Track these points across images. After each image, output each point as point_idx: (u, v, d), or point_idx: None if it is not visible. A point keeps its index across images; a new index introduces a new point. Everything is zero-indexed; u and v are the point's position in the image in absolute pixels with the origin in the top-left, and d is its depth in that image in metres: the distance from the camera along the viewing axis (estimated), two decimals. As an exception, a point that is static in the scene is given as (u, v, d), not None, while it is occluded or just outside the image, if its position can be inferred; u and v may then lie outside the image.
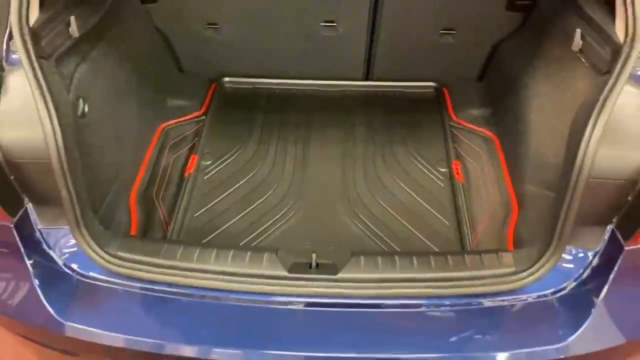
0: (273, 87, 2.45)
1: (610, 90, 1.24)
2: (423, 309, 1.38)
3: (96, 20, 1.68)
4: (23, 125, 1.31)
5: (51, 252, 1.43)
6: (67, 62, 1.52)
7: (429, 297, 1.38)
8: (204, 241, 1.81)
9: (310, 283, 1.38)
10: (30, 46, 1.29)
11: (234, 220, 1.89)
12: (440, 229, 1.87)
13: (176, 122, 2.21)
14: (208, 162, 2.10)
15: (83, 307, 1.39)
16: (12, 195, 1.38)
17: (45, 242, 1.43)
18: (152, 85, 2.14)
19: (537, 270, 1.37)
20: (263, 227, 1.86)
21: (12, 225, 1.38)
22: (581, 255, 1.41)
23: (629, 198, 1.32)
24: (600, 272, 1.38)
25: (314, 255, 1.44)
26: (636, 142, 1.27)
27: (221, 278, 1.39)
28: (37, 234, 1.43)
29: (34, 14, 1.39)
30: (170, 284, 1.40)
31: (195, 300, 1.39)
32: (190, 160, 2.10)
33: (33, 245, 1.42)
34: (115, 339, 1.33)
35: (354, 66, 2.37)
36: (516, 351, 1.32)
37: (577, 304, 1.37)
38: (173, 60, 2.38)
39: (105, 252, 1.40)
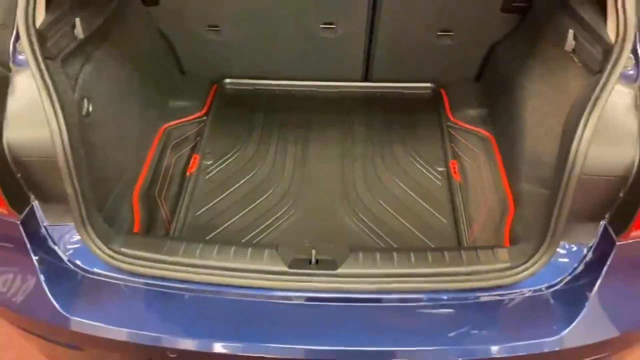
0: (273, 88, 2.49)
1: (602, 89, 1.27)
2: (421, 303, 1.41)
3: (100, 22, 1.71)
4: (30, 125, 1.34)
5: (56, 249, 1.46)
6: (72, 62, 1.55)
7: (426, 291, 1.41)
8: (206, 239, 1.84)
9: (310, 278, 1.41)
10: (36, 47, 1.32)
11: (235, 218, 1.92)
12: (438, 227, 1.90)
13: (178, 123, 2.24)
14: (209, 162, 2.13)
15: (88, 302, 1.42)
16: (19, 192, 1.41)
17: (51, 239, 1.46)
18: (154, 86, 2.17)
19: (532, 266, 1.40)
20: (264, 225, 1.90)
21: (18, 222, 1.42)
22: (575, 250, 1.44)
23: (621, 194, 1.35)
24: (594, 267, 1.41)
25: (313, 252, 1.47)
26: (627, 140, 1.30)
27: (223, 273, 1.42)
28: (43, 230, 1.46)
29: (40, 16, 1.43)
30: (173, 280, 1.42)
31: (198, 295, 1.41)
32: (191, 160, 2.14)
33: (39, 241, 1.45)
34: (120, 333, 1.36)
35: (353, 67, 2.41)
36: (512, 344, 1.35)
37: (571, 298, 1.40)
38: (175, 62, 2.41)
39: (110, 248, 1.43)
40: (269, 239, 1.85)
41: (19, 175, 1.39)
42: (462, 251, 1.48)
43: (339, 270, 1.42)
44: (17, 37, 1.37)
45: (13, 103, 1.35)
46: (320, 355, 1.34)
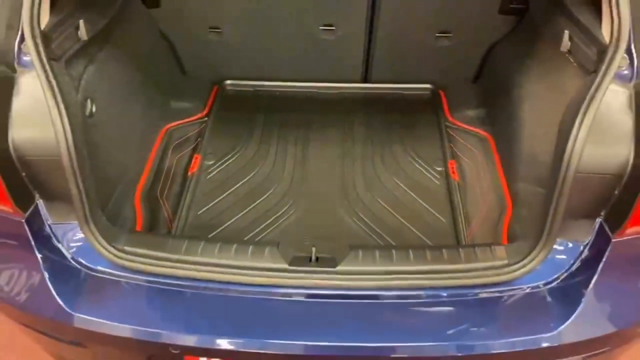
0: (273, 89, 2.52)
1: (596, 89, 1.29)
2: (419, 300, 1.43)
3: (103, 24, 1.74)
4: (34, 125, 1.36)
5: (60, 247, 1.48)
6: (76, 64, 1.58)
7: (425, 288, 1.43)
8: (207, 237, 1.86)
9: (310, 275, 1.43)
10: (41, 49, 1.34)
11: (236, 217, 1.94)
12: (437, 226, 1.92)
13: (179, 124, 2.27)
14: (210, 162, 2.15)
15: (91, 299, 1.44)
16: (24, 191, 1.44)
17: (55, 237, 1.49)
18: (156, 87, 2.20)
19: (529, 263, 1.42)
20: (264, 224, 1.92)
21: (23, 220, 1.44)
22: (571, 247, 1.46)
23: (616, 192, 1.37)
24: (590, 264, 1.43)
25: (313, 249, 1.50)
26: (621, 138, 1.32)
27: (224, 271, 1.44)
28: (47, 228, 1.48)
29: (45, 18, 1.45)
30: (175, 277, 1.45)
31: (200, 292, 1.44)
32: (193, 160, 2.16)
33: (43, 239, 1.47)
34: (123, 329, 1.38)
35: (353, 69, 2.43)
36: (509, 340, 1.37)
37: (568, 295, 1.42)
38: (176, 64, 2.44)
39: (113, 246, 1.45)
40: (269, 237, 1.87)
41: (23, 174, 1.41)
42: (460, 249, 1.50)
43: (339, 268, 1.44)
44: (22, 39, 1.40)
45: (18, 103, 1.37)
46: (320, 351, 1.36)
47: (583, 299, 1.40)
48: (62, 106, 1.33)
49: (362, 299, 1.42)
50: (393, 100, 2.48)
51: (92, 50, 1.69)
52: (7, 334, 2.22)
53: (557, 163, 1.35)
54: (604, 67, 1.30)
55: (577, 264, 1.45)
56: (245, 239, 1.86)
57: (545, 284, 1.45)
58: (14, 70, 1.39)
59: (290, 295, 1.43)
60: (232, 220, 1.94)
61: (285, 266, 1.44)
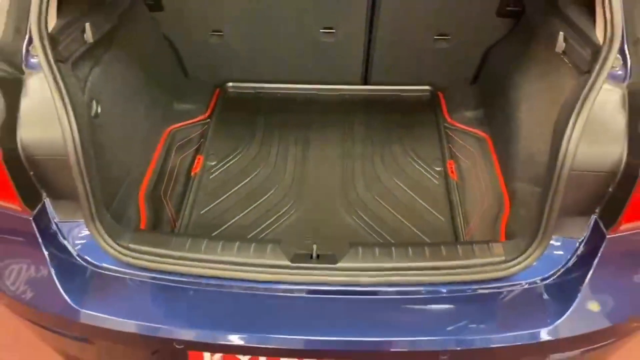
0: (274, 91, 2.55)
1: (590, 88, 1.32)
2: (418, 295, 1.46)
3: (108, 27, 1.78)
4: (42, 125, 1.39)
5: (66, 244, 1.51)
6: (82, 66, 1.62)
7: (423, 284, 1.46)
8: (210, 236, 1.89)
9: (311, 272, 1.46)
10: (49, 51, 1.37)
11: (238, 217, 1.98)
12: (436, 225, 1.95)
13: (182, 125, 2.30)
14: (213, 163, 2.19)
15: (97, 296, 1.47)
16: (32, 190, 1.47)
17: (61, 234, 1.51)
18: (160, 89, 2.24)
19: (526, 259, 1.45)
20: (266, 224, 1.95)
21: (31, 218, 1.47)
22: (567, 244, 1.49)
23: (610, 189, 1.39)
24: (585, 260, 1.46)
25: (314, 247, 1.52)
26: (615, 136, 1.35)
27: (227, 267, 1.47)
28: (54, 226, 1.51)
29: (52, 21, 1.49)
30: (179, 274, 1.47)
31: (203, 288, 1.46)
32: (196, 161, 2.19)
33: (50, 237, 1.50)
34: (128, 325, 1.41)
35: (352, 71, 2.47)
36: (507, 334, 1.39)
37: (564, 290, 1.45)
38: (179, 66, 2.48)
39: (118, 244, 1.48)
40: (271, 236, 1.90)
41: (31, 173, 1.44)
42: (458, 246, 1.53)
43: (339, 264, 1.47)
44: (30, 42, 1.43)
45: (26, 104, 1.40)
46: (321, 345, 1.38)
47: (579, 294, 1.42)
48: (69, 107, 1.37)
49: (362, 295, 1.45)
50: (392, 102, 2.51)
51: (98, 53, 1.72)
52: (11, 334, 2.24)
53: (552, 161, 1.38)
54: (597, 67, 1.33)
55: (573, 260, 1.47)
56: (247, 237, 1.89)
57: (542, 280, 1.47)
58: (22, 72, 1.43)
59: (291, 291, 1.46)
60: (234, 220, 1.97)
61: (287, 263, 1.47)
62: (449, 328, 1.41)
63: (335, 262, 1.47)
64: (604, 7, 1.34)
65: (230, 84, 2.58)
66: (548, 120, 1.51)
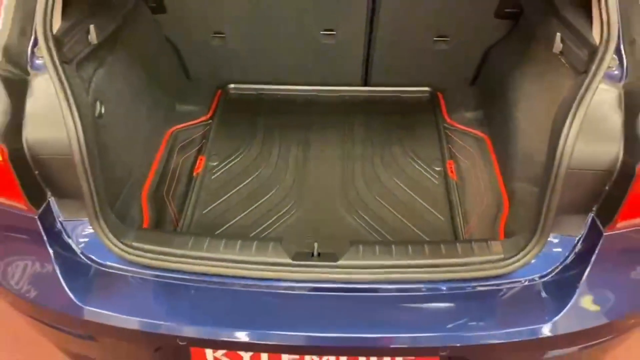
0: (275, 92, 2.58)
1: (587, 88, 1.34)
2: (418, 292, 1.47)
3: (112, 29, 1.80)
4: (47, 125, 1.41)
5: (71, 242, 1.53)
6: (87, 67, 1.64)
7: (423, 281, 1.47)
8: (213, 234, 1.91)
9: (312, 269, 1.48)
10: (54, 52, 1.39)
11: (240, 216, 2.00)
12: (435, 224, 1.97)
13: (184, 126, 2.33)
14: (215, 163, 2.21)
15: (101, 293, 1.49)
16: (37, 189, 1.49)
17: (66, 233, 1.53)
18: (162, 91, 2.26)
19: (524, 257, 1.46)
20: (267, 223, 1.97)
21: (36, 217, 1.49)
22: (565, 242, 1.51)
23: (606, 187, 1.41)
24: (583, 257, 1.47)
25: (315, 245, 1.54)
26: (611, 135, 1.37)
27: (229, 265, 1.48)
28: (59, 225, 1.53)
29: (57, 23, 1.51)
30: (182, 272, 1.49)
31: (205, 286, 1.48)
32: (198, 161, 2.21)
33: (55, 235, 1.52)
34: (132, 322, 1.43)
35: (353, 72, 2.49)
36: (506, 330, 1.41)
37: (562, 287, 1.47)
38: (181, 68, 2.50)
39: (121, 242, 1.50)
40: (272, 235, 1.92)
41: (36, 172, 1.46)
42: (458, 244, 1.55)
43: (340, 262, 1.48)
44: (35, 43, 1.46)
45: (31, 105, 1.42)
46: (322, 341, 1.40)
47: (577, 291, 1.44)
48: (74, 107, 1.39)
49: (362, 292, 1.47)
50: (392, 103, 2.53)
51: (102, 54, 1.75)
52: (16, 333, 2.26)
53: (549, 160, 1.40)
54: (594, 68, 1.35)
55: (571, 257, 1.49)
56: (249, 236, 1.91)
57: (540, 277, 1.49)
58: (27, 73, 1.45)
59: (293, 288, 1.47)
60: (235, 219, 1.99)
61: (289, 261, 1.49)
62: (449, 325, 1.43)
63: (336, 260, 1.49)
64: (600, 8, 1.36)
65: (232, 85, 2.60)
66: (546, 120, 1.53)
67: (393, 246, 1.53)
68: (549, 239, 1.46)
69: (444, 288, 1.48)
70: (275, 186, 2.11)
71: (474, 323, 1.43)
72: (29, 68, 1.46)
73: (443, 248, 1.53)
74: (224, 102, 2.52)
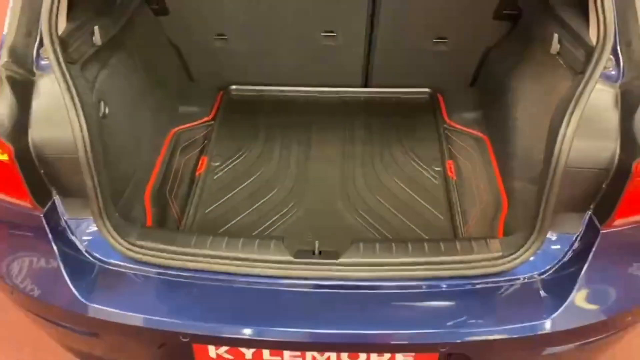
0: (277, 94, 2.60)
1: (584, 88, 1.36)
2: (418, 290, 1.49)
3: (116, 31, 1.83)
4: (53, 124, 1.43)
5: (75, 240, 1.55)
6: (91, 67, 1.66)
7: (422, 279, 1.49)
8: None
9: (313, 267, 1.49)
10: (59, 53, 1.42)
11: (242, 215, 2.02)
12: (435, 223, 1.99)
13: (187, 127, 2.35)
14: (217, 163, 2.23)
15: (104, 290, 1.50)
16: (42, 188, 1.51)
17: (71, 231, 1.55)
18: (164, 92, 2.29)
19: (522, 254, 1.48)
20: (269, 222, 1.99)
21: (41, 215, 1.51)
22: (563, 239, 1.52)
23: (604, 186, 1.43)
24: (580, 255, 1.49)
25: (317, 243, 1.56)
26: (607, 134, 1.39)
27: (232, 263, 1.50)
28: (63, 223, 1.55)
29: (62, 25, 1.54)
30: (184, 269, 1.51)
31: (208, 283, 1.50)
32: (200, 162, 2.24)
33: (60, 233, 1.54)
34: (135, 318, 1.44)
35: (353, 74, 2.52)
36: (505, 327, 1.43)
37: (560, 284, 1.48)
38: (183, 70, 2.53)
39: (126, 240, 1.52)
40: (274, 233, 1.93)
41: (42, 171, 1.48)
42: (457, 242, 1.56)
43: (341, 260, 1.50)
44: (40, 44, 1.48)
45: (37, 104, 1.45)
46: (322, 338, 1.42)
47: (575, 288, 1.45)
48: (79, 107, 1.41)
49: (363, 289, 1.49)
50: (392, 104, 2.56)
51: (105, 56, 1.77)
52: (21, 331, 2.28)
53: (547, 158, 1.42)
54: (591, 68, 1.37)
55: (569, 255, 1.51)
56: (251, 235, 1.93)
57: (539, 274, 1.51)
58: (33, 74, 1.48)
59: (294, 285, 1.49)
60: (237, 219, 2.01)
61: (290, 258, 1.50)
62: (448, 321, 1.44)
63: (337, 258, 1.51)
64: (596, 10, 1.38)
65: (234, 86, 2.63)
66: (544, 120, 1.55)
67: (393, 244, 1.55)
68: (547, 237, 1.48)
69: (444, 285, 1.50)
70: (276, 186, 2.13)
71: (473, 320, 1.45)
72: (34, 69, 1.49)
73: (442, 246, 1.54)
74: (225, 103, 2.55)
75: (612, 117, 1.40)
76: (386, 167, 2.22)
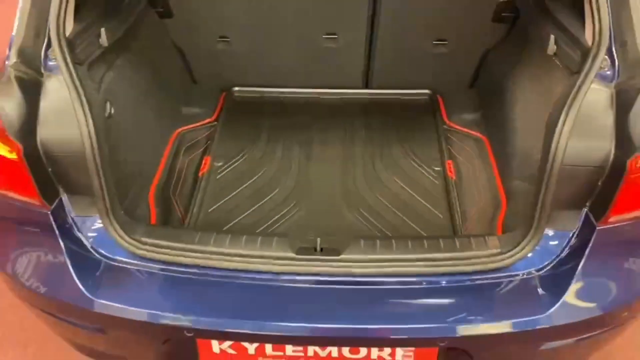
0: (279, 95, 2.64)
1: (580, 87, 1.39)
2: (418, 285, 1.52)
3: (121, 33, 1.87)
4: (60, 124, 1.46)
5: (82, 238, 1.58)
6: (97, 68, 1.70)
7: (422, 275, 1.52)
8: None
9: (315, 263, 1.52)
10: (67, 54, 1.45)
11: (244, 215, 2.04)
12: (435, 221, 2.01)
13: (190, 128, 2.39)
14: (220, 163, 2.26)
15: (110, 286, 1.53)
16: (50, 186, 1.54)
17: (77, 229, 1.58)
18: (168, 93, 2.32)
19: (520, 251, 1.51)
20: (271, 221, 2.01)
21: (49, 212, 1.54)
22: (560, 236, 1.55)
23: (599, 183, 1.46)
24: (577, 251, 1.52)
25: (318, 240, 1.58)
26: (603, 133, 1.42)
27: (235, 259, 1.53)
28: (70, 220, 1.58)
29: (70, 26, 1.58)
30: (189, 265, 1.54)
31: (212, 279, 1.52)
32: (203, 162, 2.27)
33: (66, 230, 1.57)
34: (140, 314, 1.47)
35: (354, 75, 2.55)
36: (503, 322, 1.46)
37: (557, 280, 1.51)
38: (187, 71, 2.57)
39: (131, 237, 1.55)
40: (276, 232, 1.96)
41: (50, 169, 1.51)
42: (456, 239, 1.59)
43: (342, 256, 1.53)
44: (49, 46, 1.52)
45: (45, 105, 1.48)
46: (325, 332, 1.45)
47: (572, 283, 1.48)
48: (86, 106, 1.44)
49: (364, 285, 1.51)
50: (392, 105, 2.59)
51: (111, 57, 1.81)
52: (26, 330, 2.31)
53: (544, 156, 1.45)
54: (586, 68, 1.40)
55: (566, 251, 1.53)
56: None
57: (537, 270, 1.53)
58: (41, 74, 1.51)
59: (296, 281, 1.51)
60: (240, 218, 2.04)
61: (292, 255, 1.53)
62: (447, 316, 1.47)
63: (338, 254, 1.53)
64: (592, 11, 1.41)
65: (236, 88, 2.66)
66: (541, 119, 1.57)
67: (393, 241, 1.58)
68: (544, 234, 1.50)
69: (443, 281, 1.53)
70: (278, 186, 2.16)
71: (472, 315, 1.47)
72: (42, 69, 1.52)
73: (442, 243, 1.57)
74: (228, 104, 2.58)
75: (607, 116, 1.43)
76: (386, 167, 2.25)
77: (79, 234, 1.58)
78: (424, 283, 1.52)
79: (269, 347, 1.53)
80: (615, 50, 1.49)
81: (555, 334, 1.49)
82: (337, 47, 2.42)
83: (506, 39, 2.34)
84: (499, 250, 1.54)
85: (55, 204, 1.56)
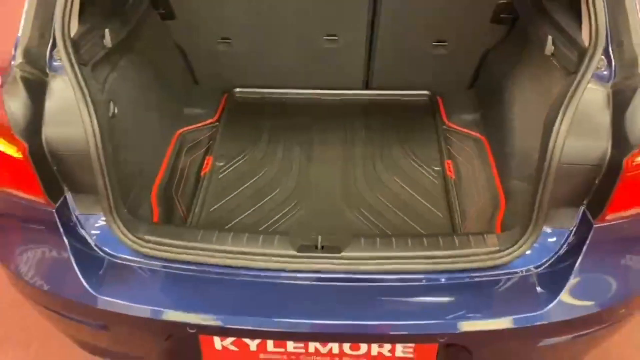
0: (280, 96, 2.66)
1: (577, 87, 1.41)
2: (418, 282, 1.53)
3: (125, 34, 1.89)
4: (65, 123, 1.49)
5: (86, 235, 1.60)
6: (101, 69, 1.72)
7: (422, 272, 1.54)
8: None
9: (316, 261, 1.54)
10: (71, 55, 1.48)
11: (246, 214, 2.06)
12: (435, 221, 2.03)
13: (192, 128, 2.41)
14: (222, 163, 2.29)
15: (114, 283, 1.55)
16: (55, 184, 1.56)
17: (81, 226, 1.60)
18: (171, 94, 2.35)
19: (518, 249, 1.52)
20: (272, 220, 2.03)
21: (54, 210, 1.56)
22: (558, 234, 1.57)
23: (596, 182, 1.48)
24: (575, 249, 1.54)
25: (319, 238, 1.61)
26: (599, 132, 1.44)
27: (237, 257, 1.54)
28: (74, 218, 1.60)
29: (74, 27, 1.60)
30: (191, 263, 1.56)
31: (214, 276, 1.54)
32: (205, 162, 2.29)
33: (70, 228, 1.59)
34: (143, 310, 1.49)
35: (354, 76, 2.58)
36: (502, 318, 1.47)
37: (556, 277, 1.52)
38: (189, 72, 2.59)
39: (134, 235, 1.57)
40: (277, 231, 1.98)
41: (54, 168, 1.54)
42: (456, 237, 1.61)
43: (343, 254, 1.54)
44: (53, 46, 1.54)
45: (50, 104, 1.50)
46: (326, 329, 1.47)
47: (569, 280, 1.50)
48: (90, 106, 1.46)
49: (364, 282, 1.53)
50: (392, 106, 2.61)
51: (115, 58, 1.83)
52: (28, 329, 2.32)
53: (542, 155, 1.47)
54: (583, 68, 1.42)
55: (564, 248, 1.55)
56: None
57: (535, 268, 1.55)
58: (46, 75, 1.53)
59: (298, 279, 1.53)
60: (241, 217, 2.06)
61: (294, 252, 1.55)
62: (447, 313, 1.48)
63: (339, 252, 1.55)
64: (589, 12, 1.44)
65: (238, 89, 2.69)
66: (539, 119, 1.59)
67: (393, 239, 1.60)
68: (542, 231, 1.52)
69: (443, 278, 1.54)
70: (279, 186, 2.18)
71: (471, 312, 1.49)
72: (47, 69, 1.54)
73: (441, 240, 1.59)
74: (230, 105, 2.61)
75: (604, 116, 1.45)
76: (386, 167, 2.27)
77: (83, 232, 1.60)
78: (424, 280, 1.54)
79: (270, 344, 1.54)
80: (612, 50, 1.51)
81: (553, 330, 1.51)
82: (337, 48, 2.44)
83: (505, 39, 2.36)
84: (497, 247, 1.56)
85: (59, 202, 1.58)
